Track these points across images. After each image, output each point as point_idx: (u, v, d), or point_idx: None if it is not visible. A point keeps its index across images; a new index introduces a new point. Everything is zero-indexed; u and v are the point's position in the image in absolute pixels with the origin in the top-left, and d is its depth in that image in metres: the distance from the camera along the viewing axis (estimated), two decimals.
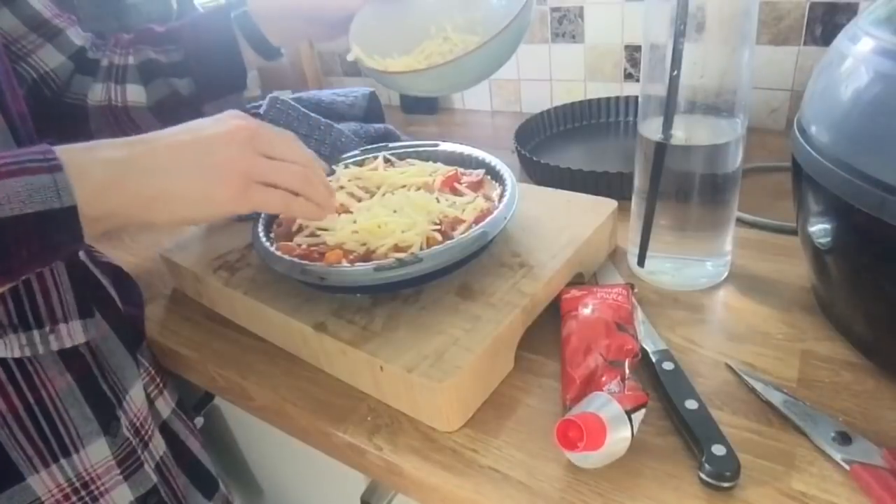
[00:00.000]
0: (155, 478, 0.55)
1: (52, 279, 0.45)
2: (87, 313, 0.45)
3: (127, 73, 0.62)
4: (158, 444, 0.57)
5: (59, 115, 0.60)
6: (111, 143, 0.39)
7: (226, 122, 0.42)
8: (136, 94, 0.62)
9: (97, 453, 0.50)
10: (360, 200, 0.60)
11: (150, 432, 0.56)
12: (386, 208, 0.55)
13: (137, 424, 0.54)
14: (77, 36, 0.61)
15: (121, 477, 0.52)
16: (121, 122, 0.63)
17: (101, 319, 0.53)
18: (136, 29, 0.65)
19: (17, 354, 0.43)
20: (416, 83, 0.56)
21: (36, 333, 0.44)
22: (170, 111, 0.63)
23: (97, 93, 0.62)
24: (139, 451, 0.54)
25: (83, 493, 0.49)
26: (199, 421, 0.69)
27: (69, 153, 0.37)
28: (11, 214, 0.33)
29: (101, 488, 0.50)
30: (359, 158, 0.68)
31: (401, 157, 0.68)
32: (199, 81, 0.62)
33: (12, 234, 0.34)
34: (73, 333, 0.46)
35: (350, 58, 0.58)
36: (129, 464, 0.52)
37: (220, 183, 0.41)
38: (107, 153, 0.38)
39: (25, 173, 0.34)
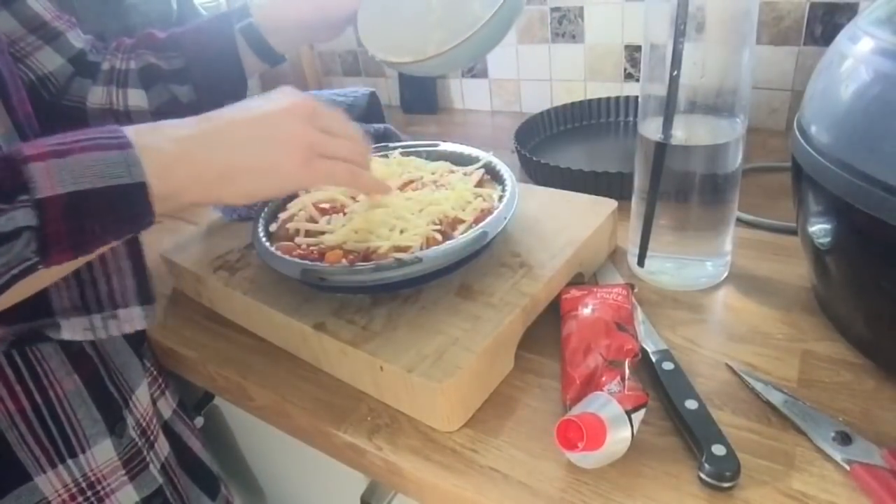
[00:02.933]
0: (160, 479, 0.55)
1: (114, 264, 0.44)
2: (147, 300, 0.45)
3: (128, 78, 0.62)
4: (163, 446, 0.57)
5: (57, 117, 0.60)
6: (176, 122, 0.40)
7: (284, 99, 0.44)
8: (137, 98, 0.62)
9: (103, 454, 0.50)
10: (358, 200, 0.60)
11: (155, 433, 0.56)
12: (385, 208, 0.55)
13: (144, 425, 0.54)
14: (77, 39, 0.61)
15: (126, 478, 0.52)
16: (122, 125, 0.63)
17: None
18: (138, 33, 0.65)
19: (79, 337, 0.43)
20: (423, 69, 0.57)
21: (97, 317, 0.44)
22: (170, 116, 0.63)
23: (97, 95, 0.62)
24: (145, 452, 0.54)
25: (89, 493, 0.50)
26: (199, 421, 0.68)
27: (136, 132, 0.38)
28: (88, 188, 0.34)
29: (107, 489, 0.51)
30: None
31: (401, 157, 0.68)
32: (199, 89, 0.62)
33: (87, 207, 0.35)
34: (133, 318, 0.45)
35: (376, 57, 0.59)
36: (134, 465, 0.52)
37: (285, 155, 0.42)
38: (173, 131, 0.39)
39: (99, 149, 0.36)
